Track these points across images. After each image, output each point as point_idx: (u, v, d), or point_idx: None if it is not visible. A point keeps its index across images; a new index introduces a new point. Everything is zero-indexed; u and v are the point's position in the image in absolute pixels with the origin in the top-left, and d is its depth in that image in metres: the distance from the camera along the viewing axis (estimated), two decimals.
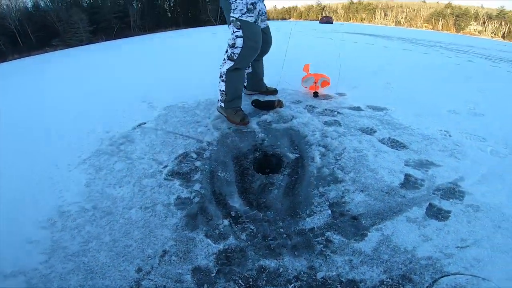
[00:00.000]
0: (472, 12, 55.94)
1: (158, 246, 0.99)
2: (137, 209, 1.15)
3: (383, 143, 1.54)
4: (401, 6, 65.06)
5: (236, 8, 1.67)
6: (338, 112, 1.95)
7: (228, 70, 1.75)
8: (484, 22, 54.46)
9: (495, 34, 51.68)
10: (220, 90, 1.81)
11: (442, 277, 0.86)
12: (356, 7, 68.65)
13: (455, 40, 15.02)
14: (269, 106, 1.97)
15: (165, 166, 1.41)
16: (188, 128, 1.78)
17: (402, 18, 62.16)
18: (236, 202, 1.15)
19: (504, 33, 50.85)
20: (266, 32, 1.99)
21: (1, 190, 1.37)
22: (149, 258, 0.95)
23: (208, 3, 26.67)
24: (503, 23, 51.59)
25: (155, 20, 23.38)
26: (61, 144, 1.78)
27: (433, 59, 5.06)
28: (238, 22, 1.68)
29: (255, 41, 1.74)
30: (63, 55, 10.93)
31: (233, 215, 1.08)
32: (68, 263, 0.97)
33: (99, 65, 5.66)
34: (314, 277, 0.86)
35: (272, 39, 2.10)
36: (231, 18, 1.70)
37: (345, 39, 8.13)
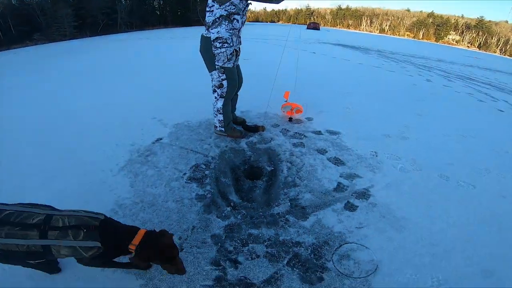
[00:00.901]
0: (453, 21, 58.33)
1: (189, 223, 1.67)
2: (171, 201, 1.83)
3: (330, 161, 2.31)
4: (386, 14, 66.94)
5: (219, 59, 2.21)
6: (304, 136, 2.71)
7: (223, 105, 2.40)
8: (462, 32, 56.87)
9: (471, 44, 54.22)
10: (219, 120, 2.47)
11: (345, 244, 1.59)
12: (344, 13, 70.12)
13: (431, 52, 16.30)
14: (255, 129, 2.69)
15: (184, 174, 2.09)
16: (196, 145, 2.47)
17: (386, 26, 64.21)
18: (234, 197, 1.87)
19: (480, 43, 53.29)
20: (239, 68, 2.50)
21: (70, 189, 1.94)
22: (185, 231, 1.63)
23: (198, 3, 26.82)
24: (480, 33, 54.03)
25: (143, 18, 23.27)
26: (98, 154, 2.36)
27: (396, 79, 5.92)
28: (222, 69, 2.24)
29: (235, 80, 2.35)
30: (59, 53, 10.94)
31: (232, 205, 1.80)
32: None
33: (96, 76, 6.08)
34: (278, 239, 1.59)
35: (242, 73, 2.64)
36: (216, 66, 2.24)
37: (326, 53, 8.97)
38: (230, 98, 2.42)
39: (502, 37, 52.32)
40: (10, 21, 15.05)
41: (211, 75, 2.32)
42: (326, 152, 2.44)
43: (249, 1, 2.15)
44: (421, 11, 64.68)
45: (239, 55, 2.38)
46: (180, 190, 1.93)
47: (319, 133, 2.81)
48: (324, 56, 8.11)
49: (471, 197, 2.04)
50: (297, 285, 1.34)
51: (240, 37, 2.29)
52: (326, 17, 70.59)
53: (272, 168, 2.18)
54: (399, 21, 63.44)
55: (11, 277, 1.36)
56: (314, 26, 29.44)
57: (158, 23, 25.66)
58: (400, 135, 2.94)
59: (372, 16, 66.84)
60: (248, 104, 3.41)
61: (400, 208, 1.85)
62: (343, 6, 70.47)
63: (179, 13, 28.97)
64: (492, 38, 52.95)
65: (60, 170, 2.17)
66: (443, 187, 2.12)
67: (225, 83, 2.31)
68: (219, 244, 1.55)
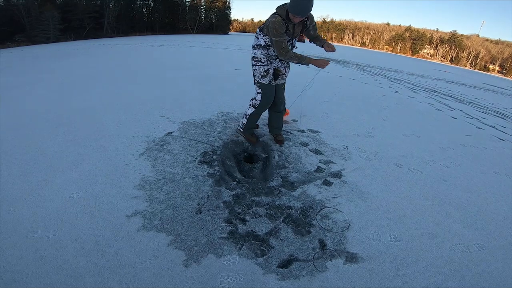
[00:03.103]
0: (428, 36, 60.70)
1: (205, 193, 2.15)
2: (188, 178, 2.30)
3: (311, 151, 2.89)
4: (367, 28, 69.48)
5: (255, 75, 2.59)
6: (290, 133, 3.28)
7: (251, 114, 2.72)
8: (436, 46, 59.28)
9: (444, 58, 56.57)
10: (242, 122, 2.81)
11: (324, 208, 2.14)
12: (328, 26, 72.22)
13: (405, 65, 17.53)
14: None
15: (196, 158, 2.58)
16: (203, 137, 2.96)
17: (367, 39, 66.73)
18: (238, 175, 2.39)
19: (452, 57, 55.65)
20: (282, 88, 2.75)
21: (98, 169, 2.33)
22: (202, 199, 2.10)
23: (187, 12, 27.22)
24: (452, 47, 56.41)
25: (130, 23, 23.30)
26: (118, 143, 2.75)
27: (369, 90, 6.68)
28: (258, 83, 2.59)
29: (268, 97, 2.63)
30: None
31: (237, 180, 2.32)
32: (162, 205, 1.96)
33: (97, 76, 6.38)
34: (274, 204, 2.11)
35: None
36: (255, 80, 2.62)
37: (310, 66, 9.69)
38: (261, 111, 2.71)
39: (472, 51, 54.78)
40: None
41: (254, 87, 2.68)
42: (308, 145, 3.02)
43: (293, 39, 2.47)
44: (399, 25, 67.79)
45: (281, 76, 2.61)
46: (194, 170, 2.41)
47: (302, 131, 3.39)
48: (307, 68, 8.82)
49: (419, 180, 2.66)
50: (291, 236, 1.82)
51: (283, 60, 2.55)
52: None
53: (266, 155, 2.72)
54: (379, 35, 66.09)
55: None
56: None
57: (145, 30, 25.75)
58: (367, 134, 3.58)
59: (355, 29, 69.50)
60: (243, 107, 3.96)
61: (364, 185, 2.44)
62: (328, 20, 73.11)
63: (167, 20, 29.17)
64: (463, 52, 55.33)
65: (85, 155, 2.54)
66: (397, 172, 2.74)
67: (258, 96, 2.62)
68: (230, 207, 2.03)
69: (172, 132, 3.05)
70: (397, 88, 7.49)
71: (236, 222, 1.91)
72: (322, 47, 2.57)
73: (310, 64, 2.42)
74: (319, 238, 1.83)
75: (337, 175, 2.54)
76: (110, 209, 1.92)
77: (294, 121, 3.72)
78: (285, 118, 3.70)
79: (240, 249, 1.70)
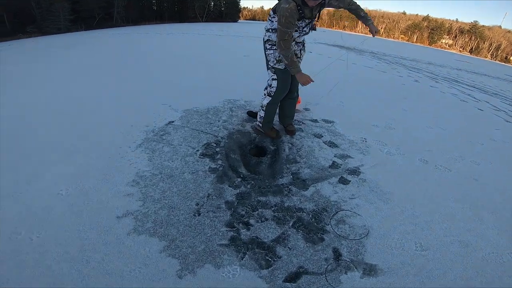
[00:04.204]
0: (447, 25, 58.53)
1: (205, 191, 1.91)
2: (188, 173, 2.07)
3: (325, 143, 2.60)
4: (382, 16, 67.28)
5: (270, 60, 2.32)
6: (302, 123, 2.99)
7: (268, 103, 2.45)
8: (455, 36, 57.12)
9: (463, 49, 54.43)
10: (260, 116, 2.53)
11: (340, 210, 1.87)
12: (341, 15, 70.34)
13: (422, 55, 16.78)
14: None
15: (197, 150, 2.33)
16: (206, 127, 2.70)
17: (381, 28, 64.57)
18: (243, 170, 2.14)
19: (472, 47, 53.58)
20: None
21: (91, 162, 2.12)
22: (201, 198, 1.86)
23: (196, 0, 26.82)
24: (472, 37, 54.19)
25: (139, 13, 23.08)
26: (115, 133, 2.54)
27: (387, 78, 6.25)
28: (273, 69, 2.33)
29: (285, 83, 2.38)
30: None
31: (242, 176, 2.06)
32: (157, 204, 1.74)
33: (103, 65, 6.20)
34: (283, 205, 1.85)
35: None
36: (269, 65, 2.35)
37: (322, 53, 9.26)
38: (278, 98, 2.46)
39: (494, 42, 52.73)
40: (4, 14, 14.80)
41: (268, 73, 2.42)
42: (322, 136, 2.73)
43: (308, 21, 2.16)
44: (416, 14, 65.08)
45: (297, 60, 2.37)
46: (194, 164, 2.17)
47: (315, 121, 3.09)
48: (320, 56, 8.39)
49: (447, 178, 2.35)
50: (302, 244, 1.58)
51: (300, 43, 2.35)
52: (323, 17, 70.91)
53: (275, 148, 2.45)
54: (395, 24, 63.90)
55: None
56: (312, 27, 29.70)
57: (154, 19, 25.48)
58: (387, 126, 3.25)
59: None
60: (251, 95, 3.68)
61: (386, 184, 2.15)
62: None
63: (176, 9, 28.84)
64: (484, 43, 53.27)
65: (80, 147, 2.35)
66: (423, 169, 2.43)
67: (274, 83, 2.37)
68: (232, 209, 1.79)
69: (173, 121, 2.81)
70: (417, 77, 7.00)
71: (238, 226, 1.67)
72: (366, 24, 2.33)
73: (295, 73, 2.20)
74: (333, 246, 1.59)
75: (355, 171, 2.25)
76: (100, 209, 1.73)
77: (307, 109, 3.42)
78: (296, 106, 3.40)
79: (242, 259, 1.48)
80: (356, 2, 2.33)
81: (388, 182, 2.18)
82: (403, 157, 2.57)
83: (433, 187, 2.20)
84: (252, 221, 1.71)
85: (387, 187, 2.12)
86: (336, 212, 1.84)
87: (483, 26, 56.66)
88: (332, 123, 3.09)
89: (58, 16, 16.00)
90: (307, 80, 2.18)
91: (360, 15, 2.33)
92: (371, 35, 2.41)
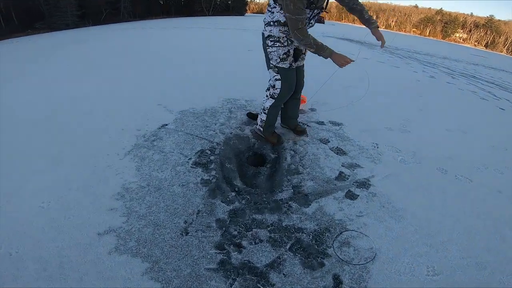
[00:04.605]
0: (461, 20, 57.15)
1: (194, 207, 1.71)
2: (177, 186, 1.87)
3: (332, 150, 2.36)
4: (393, 10, 65.60)
5: (272, 58, 2.08)
6: (307, 125, 2.74)
7: (271, 106, 2.22)
8: (470, 30, 55.77)
9: (478, 43, 53.16)
10: (261, 119, 2.30)
11: (345, 231, 1.64)
12: None
13: (435, 49, 16.14)
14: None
15: (190, 158, 2.13)
16: (201, 131, 2.50)
17: (392, 22, 63.03)
18: (238, 183, 1.93)
19: (487, 42, 52.35)
20: (302, 70, 2.31)
21: (76, 173, 1.95)
22: (190, 215, 1.66)
23: None
24: (488, 32, 52.97)
25: (146, 7, 22.98)
26: (104, 138, 2.37)
27: (400, 74, 5.89)
28: (276, 68, 2.10)
29: (290, 83, 2.17)
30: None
31: (237, 190, 1.85)
32: (142, 221, 1.58)
33: (100, 62, 6.06)
34: (281, 225, 1.64)
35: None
36: (271, 65, 2.12)
37: (331, 47, 8.88)
38: (281, 101, 2.24)
39: (510, 36, 51.40)
40: (12, 11, 14.97)
41: (269, 73, 2.19)
42: (329, 142, 2.49)
43: (316, 11, 1.98)
44: (429, 8, 63.59)
45: (301, 57, 2.20)
46: (185, 175, 1.97)
47: (322, 123, 2.84)
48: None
49: (468, 191, 2.09)
50: (298, 270, 1.39)
51: None
52: (332, 10, 69.39)
53: (276, 156, 2.22)
54: (406, 17, 62.29)
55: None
56: (319, 20, 29.11)
57: (161, 13, 25.32)
58: (402, 128, 2.98)
59: (379, 11, 65.52)
60: (253, 93, 3.45)
61: (399, 199, 1.90)
62: None
63: (182, 3, 28.60)
64: (500, 38, 52.01)
65: (65, 154, 2.18)
66: (442, 180, 2.17)
67: (278, 84, 2.13)
68: (224, 228, 1.59)
69: (167, 125, 2.61)
70: (432, 73, 6.60)
71: (229, 248, 1.48)
72: (370, 28, 2.11)
73: (328, 58, 1.94)
74: (334, 273, 1.39)
75: (364, 184, 2.01)
76: (80, 224, 1.57)
77: (313, 110, 3.17)
78: (301, 106, 3.15)
79: (231, 286, 1.31)
80: (361, 3, 2.09)
81: (402, 196, 1.94)
82: (420, 166, 2.31)
83: (452, 201, 1.95)
84: (244, 243, 1.51)
85: (400, 203, 1.87)
86: (341, 233, 1.62)
87: (499, 20, 55.50)
88: (340, 126, 2.83)
89: (65, 12, 16.11)
90: (346, 61, 1.93)
91: (364, 17, 2.09)
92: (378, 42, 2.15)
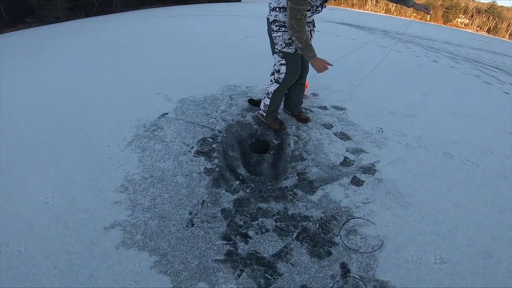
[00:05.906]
0: (462, 5, 56.22)
1: (199, 198, 1.69)
2: (180, 176, 1.84)
3: (336, 135, 2.32)
4: None
5: (277, 43, 2.06)
6: (310, 110, 2.69)
7: (275, 91, 2.20)
8: (472, 16, 54.98)
9: (480, 28, 52.35)
10: (265, 104, 2.29)
11: (352, 218, 1.62)
12: None
13: (437, 33, 15.83)
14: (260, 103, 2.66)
15: (192, 147, 2.09)
16: (202, 119, 2.45)
17: (392, 6, 61.72)
18: (242, 171, 1.89)
19: (489, 27, 51.62)
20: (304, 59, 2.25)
21: (78, 166, 1.91)
22: (195, 206, 1.63)
23: None
24: (490, 17, 52.19)
25: None
26: (104, 130, 2.31)
27: (403, 59, 5.77)
28: (281, 53, 2.08)
29: (295, 68, 2.14)
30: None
31: (241, 178, 1.82)
32: (147, 213, 1.56)
33: (98, 55, 5.91)
34: (287, 213, 1.62)
35: None
36: (276, 49, 2.10)
37: (331, 31, 8.70)
38: (286, 85, 2.22)
39: None
40: (1, 5, 14.51)
41: (274, 58, 2.16)
42: (332, 127, 2.44)
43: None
44: None
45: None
46: (188, 164, 1.94)
47: (324, 108, 2.79)
48: (328, 35, 7.84)
49: (474, 176, 2.06)
50: (306, 259, 1.38)
51: (310, 23, 2.07)
52: None
53: (279, 142, 2.18)
54: None
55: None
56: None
57: (155, 2, 24.51)
58: (406, 112, 2.93)
59: None
60: (253, 80, 3.37)
61: (405, 185, 1.88)
62: None
63: None
64: (502, 23, 51.36)
65: (67, 147, 2.13)
66: (448, 165, 2.14)
67: (283, 68, 2.12)
68: (229, 218, 1.57)
69: (167, 114, 2.56)
70: (435, 58, 6.48)
71: (236, 239, 1.46)
72: (409, 6, 2.07)
73: (309, 60, 1.93)
74: (341, 261, 1.38)
75: (370, 169, 1.98)
76: (86, 219, 1.55)
77: (315, 95, 3.11)
78: None
79: (239, 277, 1.29)
80: None
81: (408, 182, 1.91)
82: (425, 150, 2.27)
83: (458, 187, 1.93)
84: (251, 233, 1.49)
85: (407, 189, 1.85)
86: (347, 221, 1.60)
87: (502, 6, 55.15)
88: (343, 110, 2.78)
89: (56, 4, 15.57)
90: (324, 66, 1.89)
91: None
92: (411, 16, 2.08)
